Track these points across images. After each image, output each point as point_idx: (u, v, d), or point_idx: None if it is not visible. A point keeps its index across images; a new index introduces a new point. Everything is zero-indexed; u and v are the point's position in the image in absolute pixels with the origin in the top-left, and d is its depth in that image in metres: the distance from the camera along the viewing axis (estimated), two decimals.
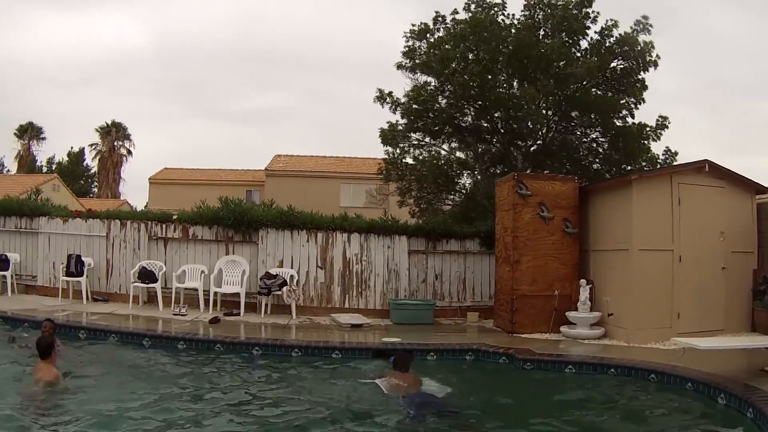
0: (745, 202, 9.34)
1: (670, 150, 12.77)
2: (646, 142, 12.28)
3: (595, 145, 13.03)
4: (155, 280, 10.90)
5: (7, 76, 64.98)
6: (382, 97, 12.92)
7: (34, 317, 8.76)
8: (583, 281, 9.27)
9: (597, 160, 13.06)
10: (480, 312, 11.23)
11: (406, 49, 12.56)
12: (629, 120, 12.30)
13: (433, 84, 12.49)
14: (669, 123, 12.52)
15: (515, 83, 11.98)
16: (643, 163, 12.60)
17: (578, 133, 12.83)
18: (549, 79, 11.44)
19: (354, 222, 11.72)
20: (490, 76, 11.91)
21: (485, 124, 12.58)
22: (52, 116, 68.41)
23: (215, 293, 10.81)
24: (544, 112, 12.19)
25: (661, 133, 12.65)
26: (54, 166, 42.81)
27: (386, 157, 14.37)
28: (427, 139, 13.45)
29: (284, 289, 10.79)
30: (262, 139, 70.32)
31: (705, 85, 59.87)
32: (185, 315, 10.32)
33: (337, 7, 67.84)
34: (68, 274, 10.94)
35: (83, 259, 11.20)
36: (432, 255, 11.80)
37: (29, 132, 40.80)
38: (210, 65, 70.25)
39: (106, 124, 39.66)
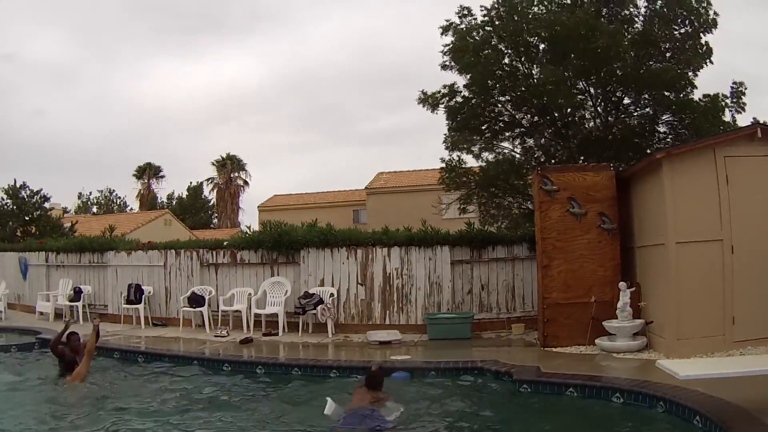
0: None
1: (758, 122, 10.58)
2: (722, 114, 10.30)
3: (664, 127, 11.23)
4: (202, 305, 11.36)
5: (131, 122, 72.42)
6: (425, 99, 12.20)
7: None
8: (622, 284, 8.01)
9: (668, 143, 11.24)
10: (527, 323, 10.10)
11: (445, 48, 11.77)
12: (694, 93, 10.43)
13: (465, 79, 11.56)
14: (746, 89, 10.45)
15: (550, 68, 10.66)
16: None
17: (636, 114, 11.13)
18: (581, 58, 10.05)
19: (393, 235, 11.38)
20: (520, 65, 10.77)
21: (526, 116, 11.39)
22: (172, 156, 74.32)
23: (258, 314, 11.10)
24: (583, 96, 10.75)
25: (743, 103, 10.60)
26: (174, 202, 46.72)
27: (443, 165, 13.57)
28: (477, 140, 12.47)
29: (318, 307, 10.52)
30: (387, 159, 71.40)
31: None
32: (225, 336, 10.64)
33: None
34: (128, 302, 11.76)
35: (143, 287, 11.96)
36: (477, 264, 11.07)
37: (148, 172, 45.02)
38: (327, 92, 73.02)
39: (222, 157, 42.42)
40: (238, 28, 72.38)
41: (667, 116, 11.12)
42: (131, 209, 44.20)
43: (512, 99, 11.28)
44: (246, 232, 12.26)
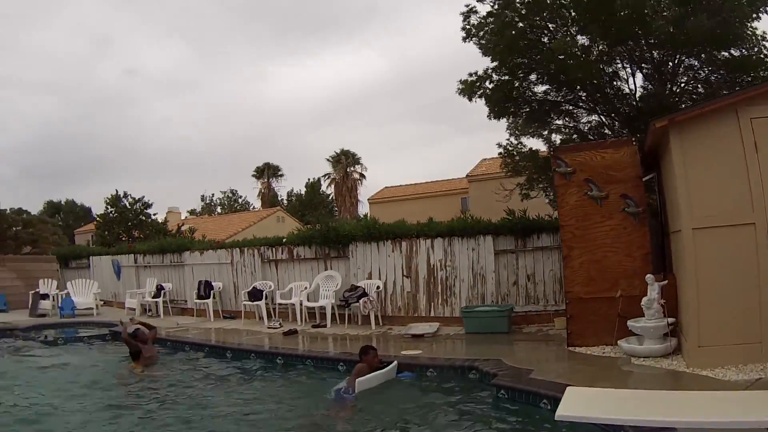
0: None
1: None
2: None
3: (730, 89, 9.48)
4: (260, 299, 11.80)
5: (250, 124, 75.85)
6: (463, 89, 11.52)
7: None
8: (649, 277, 7.05)
9: None
10: None
11: (464, 33, 10.98)
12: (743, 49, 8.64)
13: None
14: None
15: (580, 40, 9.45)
16: None
17: (675, 83, 9.50)
18: (608, 23, 8.75)
19: (435, 227, 11.13)
20: (546, 39, 9.67)
21: (559, 94, 10.26)
22: (293, 155, 76.09)
23: (311, 307, 11.53)
24: (619, 65, 9.38)
25: None
26: (294, 199, 48.93)
27: (500, 150, 12.83)
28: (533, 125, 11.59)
29: (361, 300, 10.54)
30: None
31: None
32: (277, 328, 11.34)
33: None
34: (199, 297, 12.57)
35: (213, 283, 12.74)
36: (522, 253, 10.49)
37: (266, 172, 47.22)
38: (443, 82, 71.68)
39: (336, 153, 43.27)
40: (353, 25, 73.61)
41: (725, 78, 9.30)
42: (254, 208, 46.98)
43: (543, 76, 10.15)
44: (300, 229, 12.55)
